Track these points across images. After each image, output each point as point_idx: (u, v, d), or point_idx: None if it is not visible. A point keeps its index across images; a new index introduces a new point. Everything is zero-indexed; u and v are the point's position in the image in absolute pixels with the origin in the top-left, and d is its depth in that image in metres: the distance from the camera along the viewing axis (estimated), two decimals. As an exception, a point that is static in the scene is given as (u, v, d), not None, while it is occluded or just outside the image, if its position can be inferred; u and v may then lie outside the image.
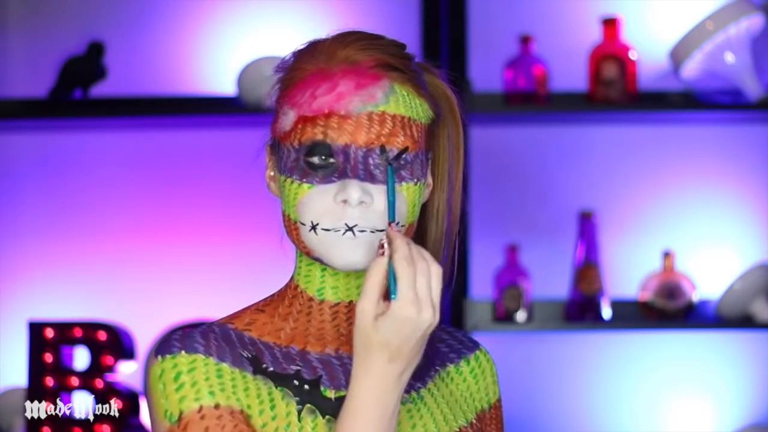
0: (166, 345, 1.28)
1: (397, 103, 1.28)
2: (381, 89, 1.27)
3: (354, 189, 1.25)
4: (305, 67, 1.29)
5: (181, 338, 1.28)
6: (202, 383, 1.25)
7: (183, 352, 1.27)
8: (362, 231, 1.26)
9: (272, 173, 1.35)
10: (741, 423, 3.00)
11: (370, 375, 1.20)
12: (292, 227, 1.30)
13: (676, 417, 3.02)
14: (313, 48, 1.31)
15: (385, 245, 1.21)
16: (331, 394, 1.30)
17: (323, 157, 1.27)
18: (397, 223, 1.27)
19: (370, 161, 1.27)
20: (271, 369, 1.30)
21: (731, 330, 2.97)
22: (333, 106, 1.26)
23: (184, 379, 1.25)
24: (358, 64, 1.27)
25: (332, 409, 1.29)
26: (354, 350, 1.21)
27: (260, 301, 1.37)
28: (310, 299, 1.33)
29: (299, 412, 1.28)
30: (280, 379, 1.30)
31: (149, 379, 1.27)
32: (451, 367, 1.42)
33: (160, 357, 1.27)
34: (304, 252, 1.31)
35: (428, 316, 1.19)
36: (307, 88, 1.27)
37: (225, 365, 1.28)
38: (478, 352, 1.45)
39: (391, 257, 1.20)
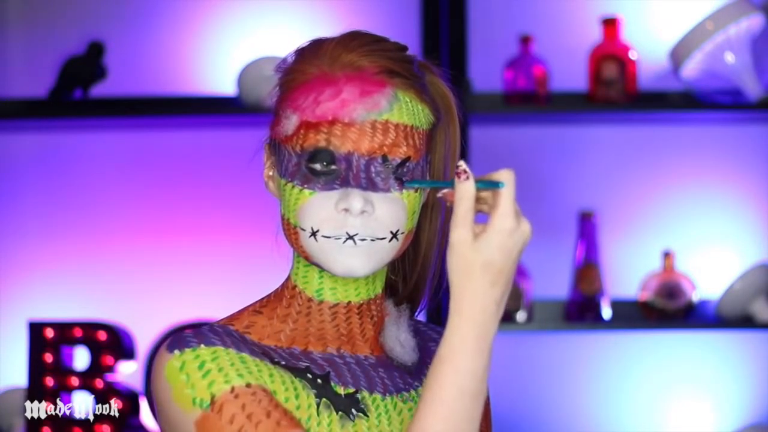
0: (181, 341, 1.26)
1: (401, 111, 1.28)
2: (385, 97, 1.27)
3: (356, 198, 1.25)
4: (308, 70, 1.28)
5: (195, 335, 1.27)
6: (228, 368, 1.24)
7: (202, 345, 1.25)
8: (363, 240, 1.26)
9: (271, 173, 1.34)
10: (741, 423, 3.00)
11: (472, 304, 1.18)
12: (291, 231, 1.30)
13: (676, 417, 3.02)
14: (317, 49, 1.30)
15: (466, 168, 1.20)
16: (341, 390, 1.30)
17: (325, 164, 1.27)
18: (397, 231, 1.28)
19: (372, 170, 1.27)
20: (284, 363, 1.29)
21: (731, 330, 2.97)
22: (337, 113, 1.25)
23: (209, 366, 1.23)
24: (362, 70, 1.27)
25: (344, 406, 1.29)
26: (451, 285, 1.19)
27: (256, 302, 1.36)
28: (309, 300, 1.33)
29: (318, 405, 1.28)
30: (295, 371, 1.29)
31: (164, 374, 1.25)
32: None
33: (177, 351, 1.25)
34: (303, 256, 1.31)
35: (527, 227, 1.19)
36: (310, 92, 1.26)
37: (245, 355, 1.26)
38: None
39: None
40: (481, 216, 1.23)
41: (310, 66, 1.28)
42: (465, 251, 1.18)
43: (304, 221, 1.27)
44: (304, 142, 1.27)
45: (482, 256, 1.18)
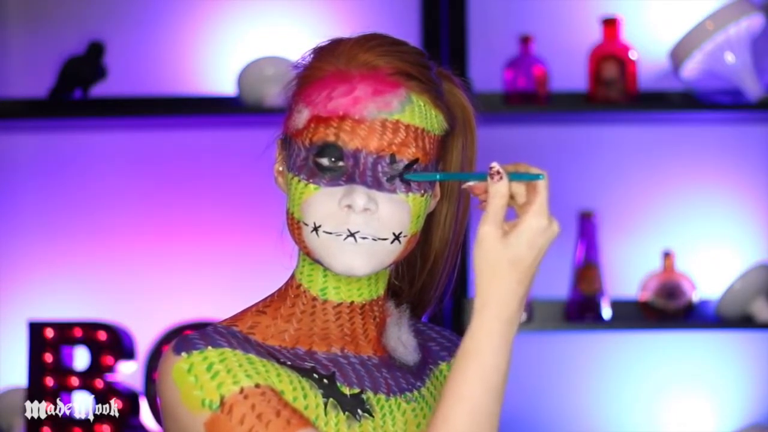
0: (188, 343, 1.25)
1: (413, 113, 1.28)
2: (397, 98, 1.27)
3: (360, 195, 1.25)
4: (324, 67, 1.29)
5: (201, 337, 1.26)
6: (236, 369, 1.23)
7: (209, 347, 1.25)
8: (364, 238, 1.26)
9: (281, 168, 1.34)
10: (741, 423, 3.00)
11: (499, 300, 1.20)
12: (294, 226, 1.30)
13: (676, 417, 3.02)
14: (335, 47, 1.30)
15: (500, 169, 1.22)
16: (346, 390, 1.30)
17: (333, 160, 1.27)
18: (400, 233, 1.28)
19: (379, 168, 1.26)
20: (290, 363, 1.29)
21: (731, 330, 2.97)
22: (348, 110, 1.25)
23: (217, 368, 1.23)
24: (377, 69, 1.27)
25: (350, 406, 1.29)
26: (477, 280, 1.20)
27: (260, 302, 1.36)
28: (314, 299, 1.33)
29: (325, 405, 1.28)
30: (302, 372, 1.29)
31: (172, 376, 1.24)
32: (443, 365, 1.42)
33: (184, 354, 1.24)
34: (305, 252, 1.31)
35: (557, 227, 1.21)
36: (324, 88, 1.27)
37: (252, 356, 1.26)
38: None
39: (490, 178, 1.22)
40: (510, 212, 1.23)
41: (326, 63, 1.29)
42: (494, 246, 1.19)
43: (307, 216, 1.27)
44: (314, 136, 1.27)
45: (511, 252, 1.19)
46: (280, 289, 1.35)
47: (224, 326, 1.31)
